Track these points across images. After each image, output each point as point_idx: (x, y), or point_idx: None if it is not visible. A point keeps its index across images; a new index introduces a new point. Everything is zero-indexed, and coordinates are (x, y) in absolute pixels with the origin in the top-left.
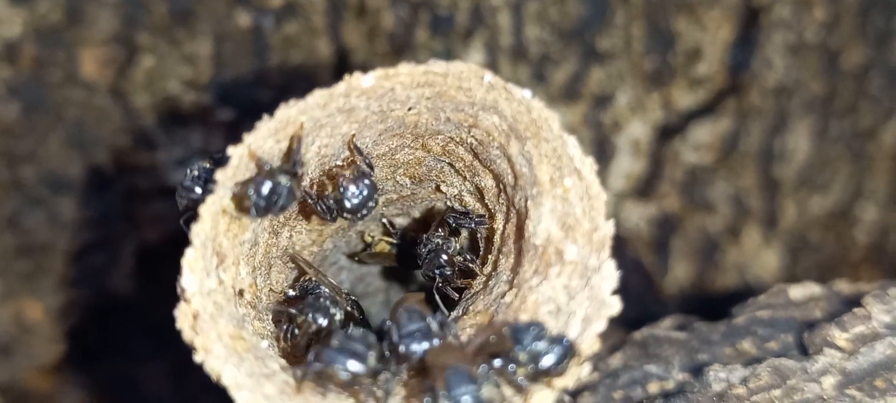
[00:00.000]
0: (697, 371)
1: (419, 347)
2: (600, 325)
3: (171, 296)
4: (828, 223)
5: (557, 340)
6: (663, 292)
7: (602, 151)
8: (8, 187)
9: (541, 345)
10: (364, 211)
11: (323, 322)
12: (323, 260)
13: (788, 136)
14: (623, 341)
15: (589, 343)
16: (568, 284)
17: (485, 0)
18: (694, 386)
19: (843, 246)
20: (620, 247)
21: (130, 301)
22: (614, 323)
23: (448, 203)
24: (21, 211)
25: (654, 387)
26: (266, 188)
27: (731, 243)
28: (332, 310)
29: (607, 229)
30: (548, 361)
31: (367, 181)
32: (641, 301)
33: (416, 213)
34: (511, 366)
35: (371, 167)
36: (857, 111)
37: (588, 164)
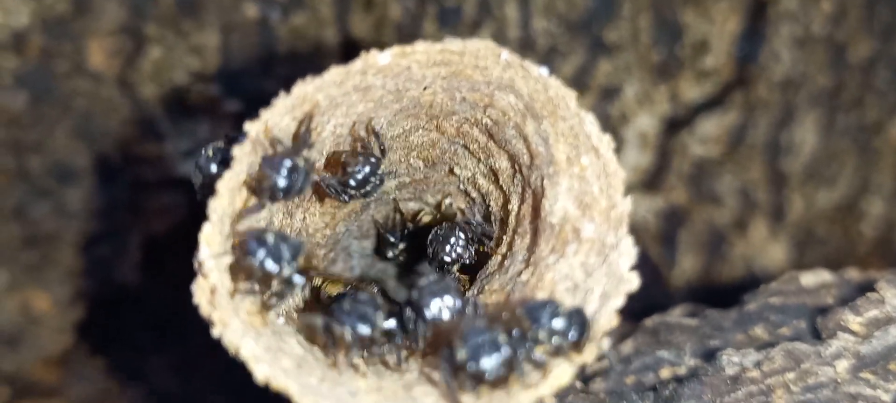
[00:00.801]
0: (710, 356)
1: (445, 314)
2: (618, 301)
3: (178, 288)
4: (835, 216)
5: (574, 316)
6: (670, 284)
7: None
8: (15, 177)
9: (557, 322)
10: (368, 187)
11: (365, 330)
12: (335, 244)
13: (795, 130)
14: (633, 329)
15: (607, 319)
16: (585, 261)
17: None
18: (707, 371)
19: (849, 240)
20: None
21: (137, 292)
22: (622, 314)
23: (461, 186)
24: (28, 202)
25: (666, 373)
26: (284, 170)
27: (739, 236)
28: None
29: (625, 206)
30: (565, 337)
31: (372, 159)
32: (649, 293)
33: (429, 198)
34: (528, 344)
35: (384, 153)
36: (864, 105)
37: (606, 142)
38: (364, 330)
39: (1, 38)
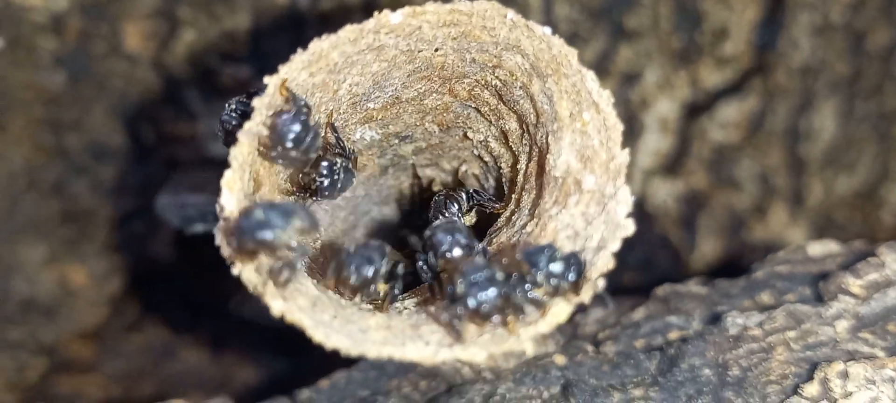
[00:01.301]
0: (716, 319)
1: (456, 250)
2: (615, 245)
3: (210, 267)
4: (854, 203)
5: (570, 258)
6: (690, 268)
7: (630, 129)
8: (53, 154)
9: (555, 265)
10: (335, 184)
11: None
12: (355, 208)
13: (814, 116)
14: (646, 299)
15: (604, 262)
16: (586, 211)
17: None
18: (712, 331)
19: (869, 226)
20: (648, 223)
21: (170, 269)
22: (640, 296)
23: (475, 151)
24: (66, 178)
25: (674, 335)
26: (295, 127)
27: (758, 221)
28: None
29: (623, 158)
30: (562, 278)
31: (333, 161)
32: (668, 276)
33: (445, 164)
34: (527, 286)
35: (345, 150)
36: (883, 92)
37: (605, 97)
38: (368, 271)
39: (41, 21)
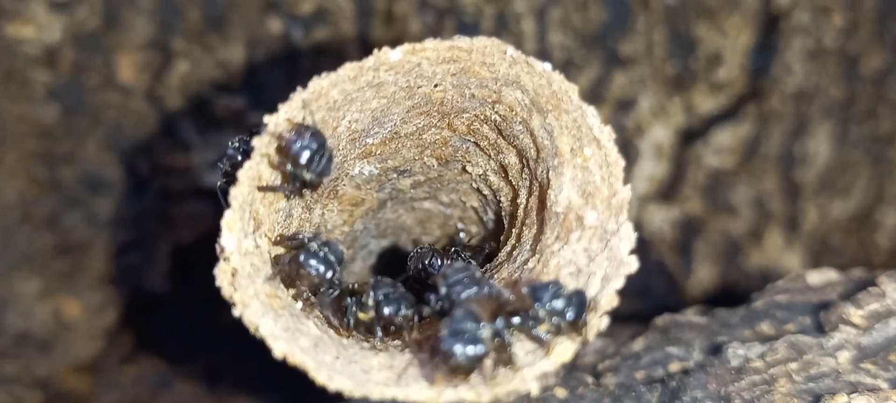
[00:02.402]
0: (717, 350)
1: (466, 292)
2: (619, 283)
3: (206, 298)
4: (849, 227)
5: (575, 295)
6: (686, 293)
7: (625, 155)
8: (47, 187)
9: (559, 302)
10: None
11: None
12: (354, 241)
13: (809, 141)
14: (645, 328)
15: (608, 299)
16: (588, 247)
17: (509, 7)
18: (713, 363)
19: (865, 250)
20: (644, 249)
21: (166, 300)
22: (637, 323)
23: (474, 184)
24: (60, 211)
25: (674, 367)
26: (308, 148)
27: (754, 246)
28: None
29: (625, 194)
30: (567, 315)
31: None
32: (665, 303)
33: (444, 197)
34: (531, 323)
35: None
36: (877, 116)
37: (606, 133)
38: (328, 274)
39: (34, 53)
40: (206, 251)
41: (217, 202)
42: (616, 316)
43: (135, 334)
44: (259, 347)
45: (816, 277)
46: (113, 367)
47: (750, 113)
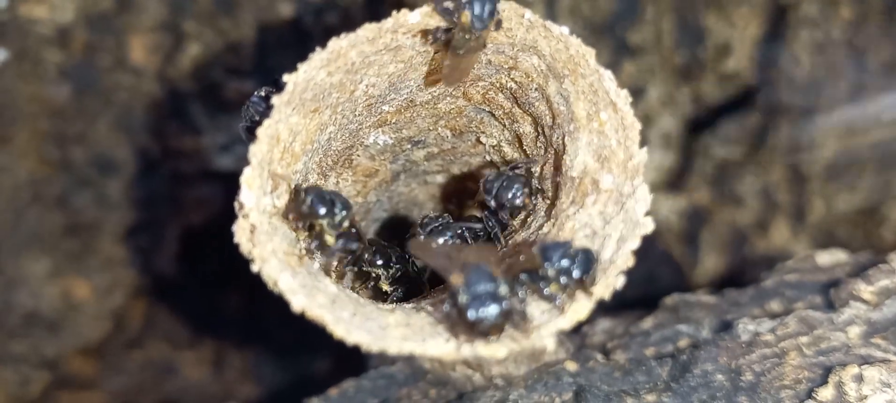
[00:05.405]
0: (727, 327)
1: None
2: (635, 243)
3: (213, 282)
4: (855, 219)
5: (581, 252)
6: (693, 284)
7: None
8: (58, 167)
9: (567, 261)
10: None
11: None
12: (366, 213)
13: (816, 132)
14: (654, 308)
15: (624, 259)
16: (603, 210)
17: None
18: (723, 338)
19: (870, 243)
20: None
21: (174, 283)
22: (643, 311)
23: (487, 156)
24: (70, 191)
25: (684, 343)
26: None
27: (760, 236)
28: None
29: (641, 156)
30: (573, 273)
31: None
32: (671, 292)
33: (456, 170)
34: (542, 283)
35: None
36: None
37: (623, 96)
38: (320, 208)
39: (47, 33)
40: (215, 234)
41: (226, 186)
42: (622, 304)
43: (142, 317)
44: (265, 333)
45: (826, 257)
46: (119, 351)
47: (758, 103)
